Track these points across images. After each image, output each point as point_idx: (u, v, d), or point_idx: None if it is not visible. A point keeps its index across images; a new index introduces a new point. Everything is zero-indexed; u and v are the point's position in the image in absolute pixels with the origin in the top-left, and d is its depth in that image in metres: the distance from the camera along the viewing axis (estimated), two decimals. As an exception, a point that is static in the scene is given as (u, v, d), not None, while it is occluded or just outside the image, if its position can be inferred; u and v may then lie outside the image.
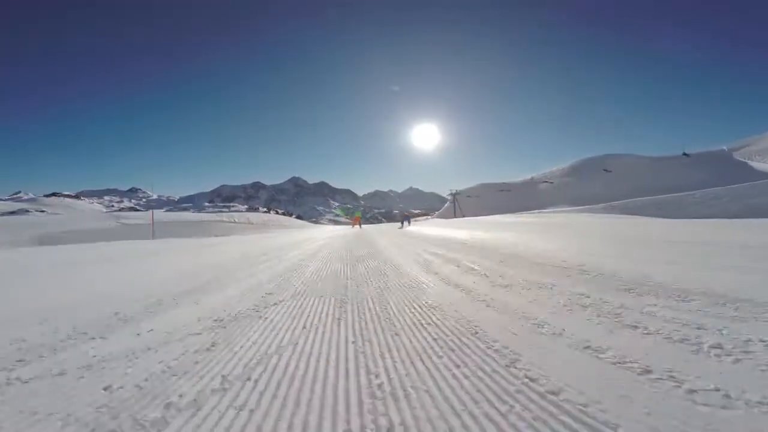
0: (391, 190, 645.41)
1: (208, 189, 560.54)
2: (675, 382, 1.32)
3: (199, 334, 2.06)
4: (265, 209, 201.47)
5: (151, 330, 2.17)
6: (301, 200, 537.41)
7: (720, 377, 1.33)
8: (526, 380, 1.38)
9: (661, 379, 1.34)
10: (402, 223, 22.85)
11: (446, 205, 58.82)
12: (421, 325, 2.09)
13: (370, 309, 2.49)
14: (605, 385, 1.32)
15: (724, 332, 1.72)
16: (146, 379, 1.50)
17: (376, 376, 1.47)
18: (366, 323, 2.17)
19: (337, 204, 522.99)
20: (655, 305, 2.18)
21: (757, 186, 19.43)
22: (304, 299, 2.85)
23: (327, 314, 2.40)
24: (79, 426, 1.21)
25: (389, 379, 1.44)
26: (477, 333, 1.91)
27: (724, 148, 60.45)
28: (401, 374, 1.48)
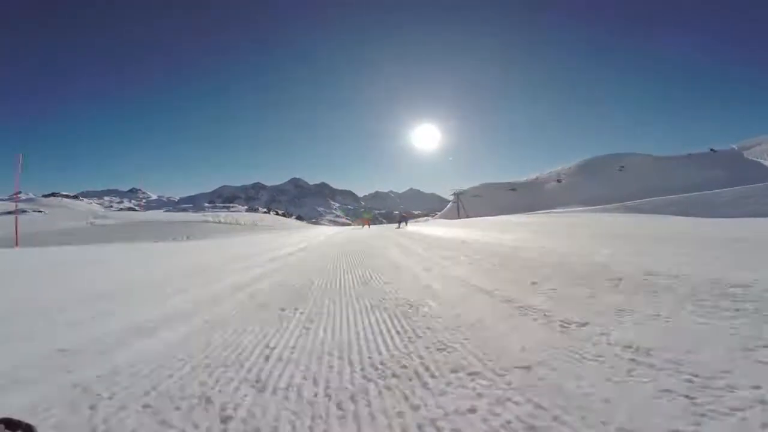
0: (391, 191, 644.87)
1: (209, 190, 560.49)
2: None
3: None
4: (264, 210, 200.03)
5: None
6: (302, 201, 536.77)
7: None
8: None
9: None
10: (399, 223, 24.83)
11: (449, 205, 57.13)
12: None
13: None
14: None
15: None
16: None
17: None
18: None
19: (337, 205, 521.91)
20: None
21: (787, 184, 17.94)
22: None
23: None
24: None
25: None
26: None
27: (734, 147, 58.71)
28: None
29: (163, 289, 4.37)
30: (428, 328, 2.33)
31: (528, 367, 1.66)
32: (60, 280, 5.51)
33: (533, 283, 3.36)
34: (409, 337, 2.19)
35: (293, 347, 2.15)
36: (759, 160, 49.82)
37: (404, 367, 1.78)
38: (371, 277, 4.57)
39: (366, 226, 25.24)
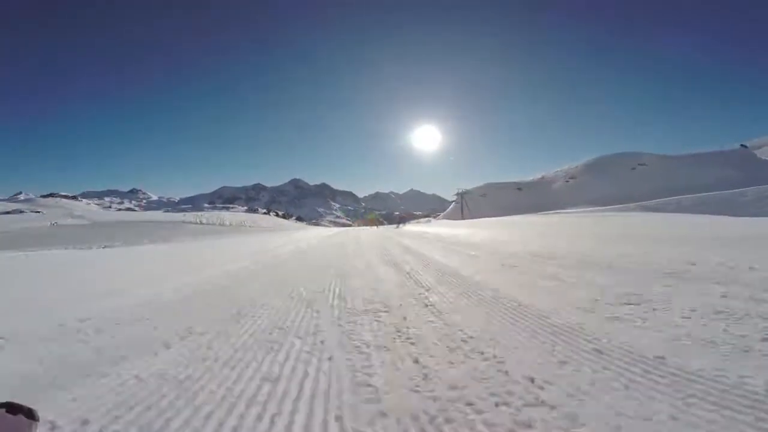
0: (392, 192, 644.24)
1: (209, 190, 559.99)
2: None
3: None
4: (264, 211, 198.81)
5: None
6: (302, 202, 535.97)
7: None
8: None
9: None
10: (398, 224, 26.18)
11: (452, 206, 55.88)
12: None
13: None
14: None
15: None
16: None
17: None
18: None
19: (338, 206, 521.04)
20: None
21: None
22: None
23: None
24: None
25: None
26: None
27: (745, 145, 57.48)
28: None
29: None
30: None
31: None
32: None
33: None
34: None
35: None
36: (769, 159, 48.63)
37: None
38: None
39: (374, 227, 26.11)
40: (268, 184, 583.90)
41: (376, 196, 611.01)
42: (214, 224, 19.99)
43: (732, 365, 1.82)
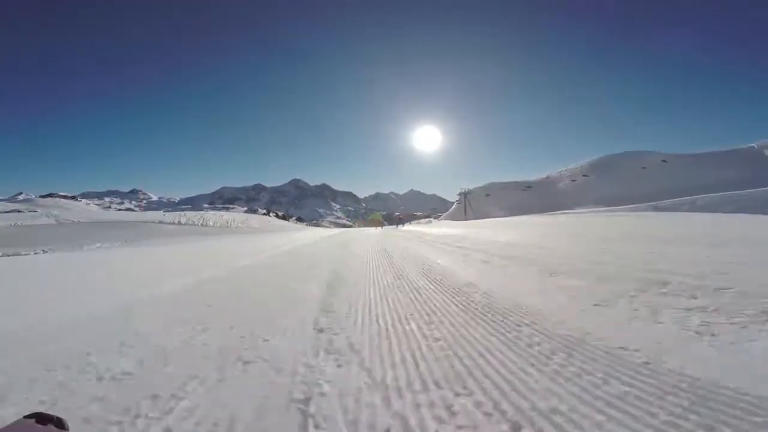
0: (392, 192, 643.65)
1: (210, 191, 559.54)
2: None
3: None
4: (264, 211, 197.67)
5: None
6: (302, 202, 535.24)
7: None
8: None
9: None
10: (397, 225, 28.68)
11: (454, 206, 54.70)
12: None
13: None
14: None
15: None
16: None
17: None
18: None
19: (338, 206, 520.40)
20: None
21: None
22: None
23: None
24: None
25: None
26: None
27: (754, 145, 56.30)
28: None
29: None
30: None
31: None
32: None
33: None
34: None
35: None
36: (781, 158, 47.44)
37: None
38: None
39: (379, 228, 27.02)
40: (269, 184, 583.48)
41: (377, 197, 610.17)
42: (194, 224, 18.68)
43: None
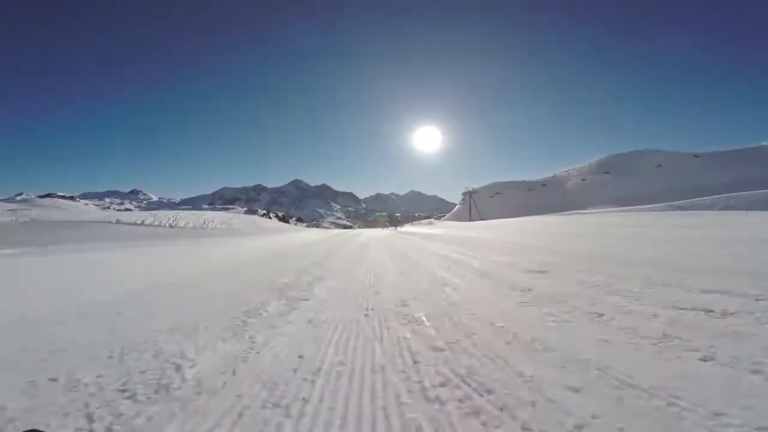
0: (392, 193, 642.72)
1: (210, 191, 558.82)
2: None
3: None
4: (264, 211, 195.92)
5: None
6: (303, 203, 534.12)
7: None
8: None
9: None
10: (396, 227, 28.98)
11: (456, 207, 52.85)
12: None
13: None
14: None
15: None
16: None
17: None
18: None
19: (338, 207, 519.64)
20: None
21: None
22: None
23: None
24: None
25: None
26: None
27: (767, 143, 54.52)
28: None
29: None
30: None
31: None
32: None
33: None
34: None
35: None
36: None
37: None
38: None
39: (384, 229, 26.94)
40: (269, 185, 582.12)
41: (377, 197, 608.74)
42: (160, 225, 16.77)
43: None
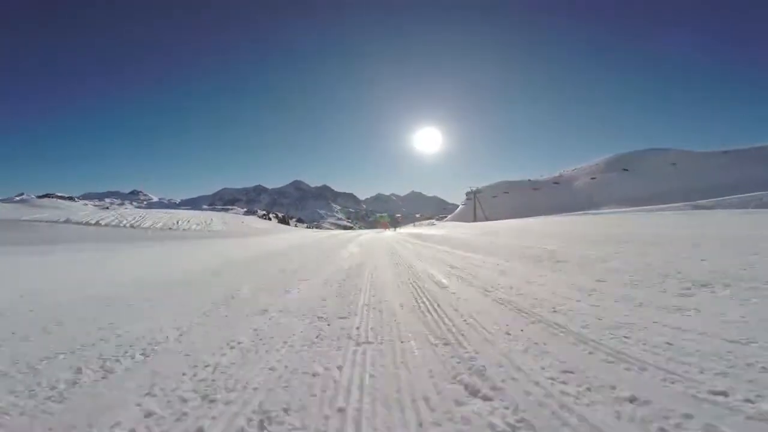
0: (393, 194, 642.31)
1: (210, 192, 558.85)
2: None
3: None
4: (264, 212, 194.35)
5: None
6: (303, 204, 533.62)
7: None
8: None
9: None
10: (395, 228, 30.81)
11: (459, 208, 51.07)
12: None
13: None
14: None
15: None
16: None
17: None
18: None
19: (339, 208, 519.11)
20: None
21: None
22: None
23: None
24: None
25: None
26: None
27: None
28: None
29: None
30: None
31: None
32: None
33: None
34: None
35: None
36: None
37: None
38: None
39: (387, 230, 26.63)
40: (269, 185, 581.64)
41: (378, 198, 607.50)
42: (120, 226, 14.80)
43: None
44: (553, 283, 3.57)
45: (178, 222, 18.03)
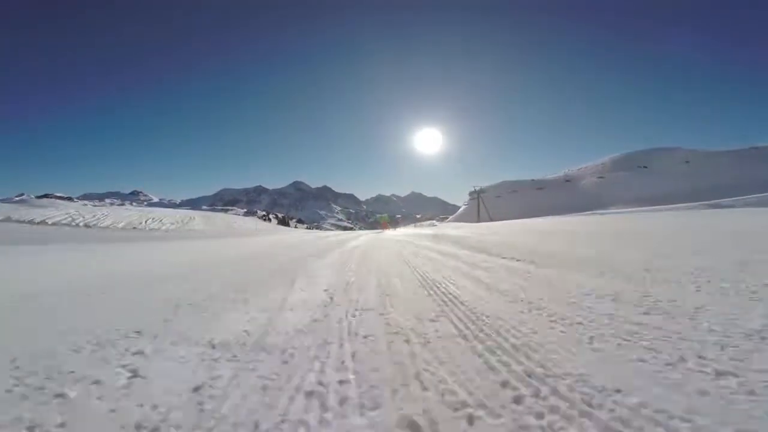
0: (393, 195, 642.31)
1: (211, 192, 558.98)
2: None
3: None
4: (264, 212, 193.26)
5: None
6: (303, 204, 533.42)
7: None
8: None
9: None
10: (395, 228, 32.00)
11: (462, 208, 49.83)
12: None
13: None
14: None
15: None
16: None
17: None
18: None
19: (339, 208, 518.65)
20: None
21: None
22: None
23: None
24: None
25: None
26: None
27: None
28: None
29: None
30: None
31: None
32: None
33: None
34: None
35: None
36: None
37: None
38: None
39: (387, 230, 27.03)
40: (270, 186, 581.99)
41: (378, 199, 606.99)
42: (72, 225, 13.46)
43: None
44: None
45: (146, 221, 16.69)
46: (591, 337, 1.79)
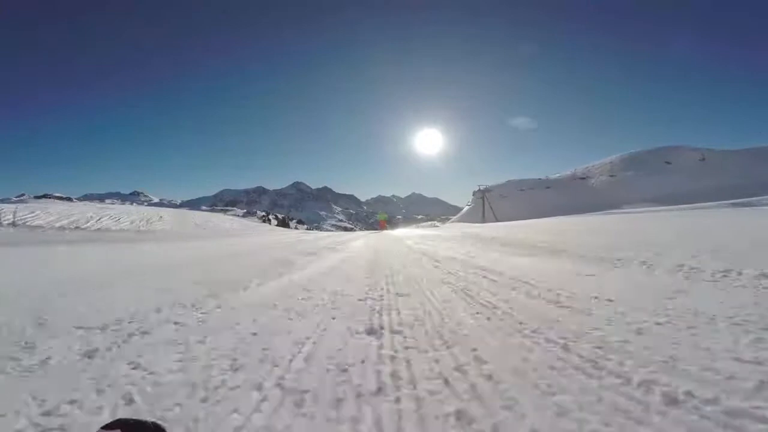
0: (394, 195, 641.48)
1: (211, 193, 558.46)
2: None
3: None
4: (263, 213, 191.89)
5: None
6: (304, 205, 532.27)
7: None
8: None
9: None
10: (394, 229, 31.33)
11: (465, 208, 48.38)
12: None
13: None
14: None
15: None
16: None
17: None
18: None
19: (339, 209, 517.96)
20: None
21: None
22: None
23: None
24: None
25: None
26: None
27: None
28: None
29: None
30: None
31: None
32: None
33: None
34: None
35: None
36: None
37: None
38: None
39: (385, 229, 26.67)
40: (270, 187, 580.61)
41: (378, 200, 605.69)
42: None
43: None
44: None
45: (89, 218, 14.49)
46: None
